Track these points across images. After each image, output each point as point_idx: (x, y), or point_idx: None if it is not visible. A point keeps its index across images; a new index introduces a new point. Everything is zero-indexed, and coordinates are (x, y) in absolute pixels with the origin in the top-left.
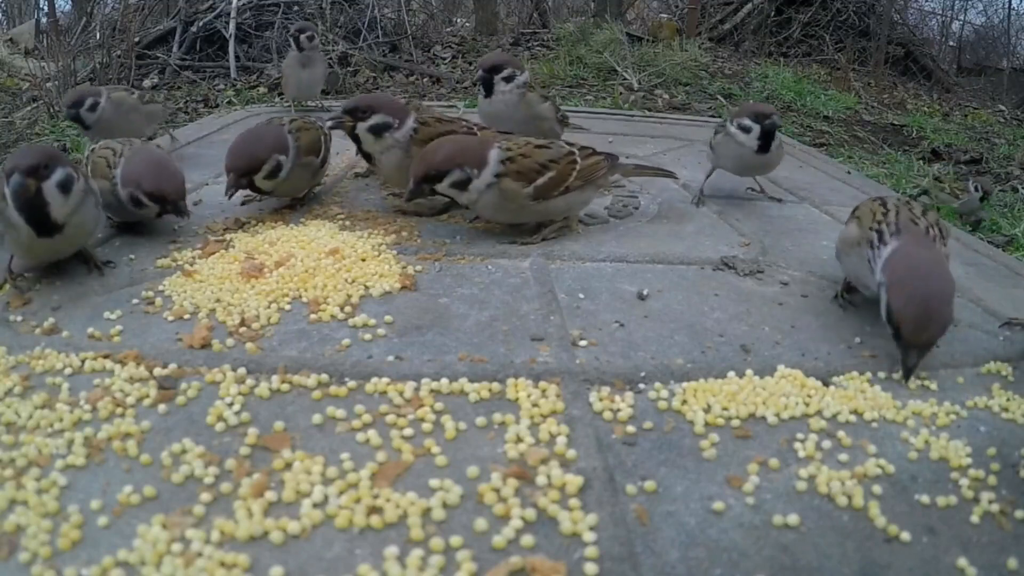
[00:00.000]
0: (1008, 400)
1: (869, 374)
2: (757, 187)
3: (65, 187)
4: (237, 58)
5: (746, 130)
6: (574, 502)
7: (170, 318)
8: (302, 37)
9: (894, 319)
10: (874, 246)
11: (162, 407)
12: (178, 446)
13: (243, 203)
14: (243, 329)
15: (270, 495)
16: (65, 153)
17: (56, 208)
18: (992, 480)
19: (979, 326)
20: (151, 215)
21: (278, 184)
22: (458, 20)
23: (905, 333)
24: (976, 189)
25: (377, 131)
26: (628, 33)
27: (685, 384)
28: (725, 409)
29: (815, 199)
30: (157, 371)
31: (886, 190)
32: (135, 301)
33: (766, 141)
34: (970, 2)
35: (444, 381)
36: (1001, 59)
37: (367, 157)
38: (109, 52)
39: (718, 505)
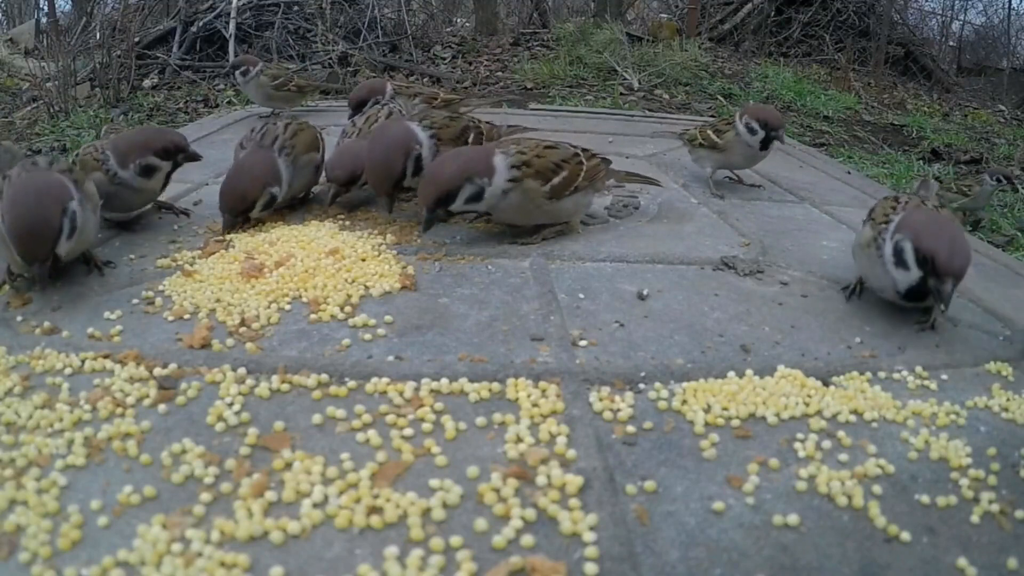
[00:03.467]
0: (1008, 400)
1: (869, 374)
2: (735, 177)
3: (72, 229)
4: (237, 57)
5: (753, 132)
6: (574, 502)
7: (170, 318)
8: (236, 73)
9: (925, 256)
10: (882, 234)
11: (162, 407)
12: (178, 446)
13: None
14: (243, 329)
15: (270, 495)
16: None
17: (61, 248)
18: (992, 480)
19: (979, 326)
20: (157, 187)
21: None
22: (458, 20)
23: (940, 262)
24: (996, 179)
25: None
26: (628, 33)
27: (685, 384)
28: (725, 409)
29: (815, 199)
30: (157, 371)
31: (886, 190)
32: (135, 301)
33: (767, 143)
34: (970, 2)
35: (444, 381)
36: (1001, 59)
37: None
38: (109, 52)
39: (718, 505)
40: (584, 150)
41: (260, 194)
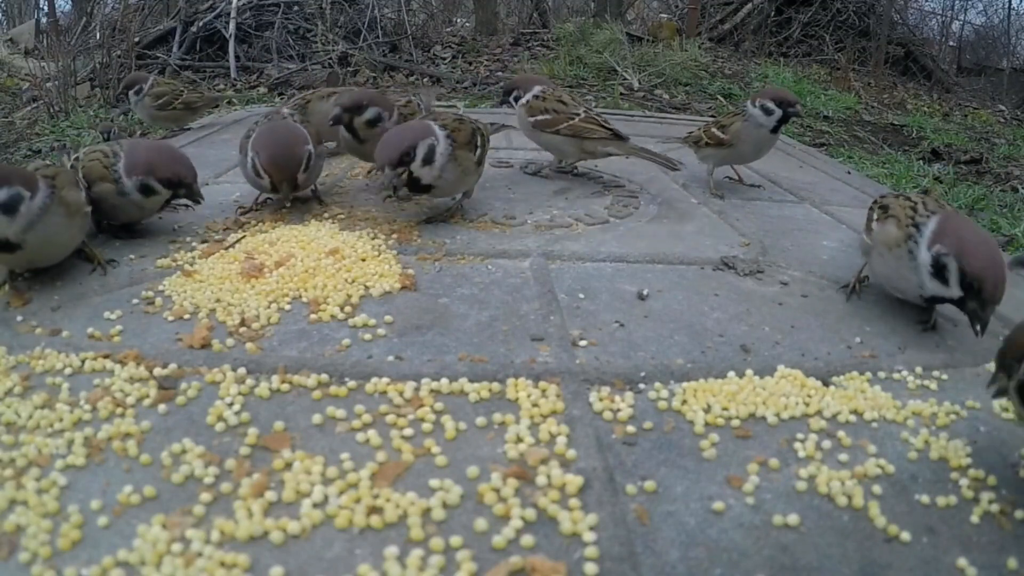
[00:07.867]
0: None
1: (869, 374)
2: (736, 176)
3: (9, 209)
4: (237, 58)
5: (768, 112)
6: (574, 502)
7: (170, 318)
8: (129, 94)
9: (971, 280)
10: (912, 237)
11: (162, 407)
12: (178, 446)
13: (243, 213)
14: (243, 329)
15: (270, 495)
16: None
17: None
18: (992, 480)
19: None
20: (157, 205)
21: (307, 173)
22: (458, 20)
23: (987, 290)
24: None
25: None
26: (628, 33)
27: (685, 384)
28: (725, 409)
29: (815, 199)
30: (157, 371)
31: (886, 190)
32: (135, 301)
33: (780, 124)
34: (970, 2)
35: (444, 381)
36: (1001, 59)
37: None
38: (109, 52)
39: (718, 505)
40: (589, 116)
41: (304, 154)
